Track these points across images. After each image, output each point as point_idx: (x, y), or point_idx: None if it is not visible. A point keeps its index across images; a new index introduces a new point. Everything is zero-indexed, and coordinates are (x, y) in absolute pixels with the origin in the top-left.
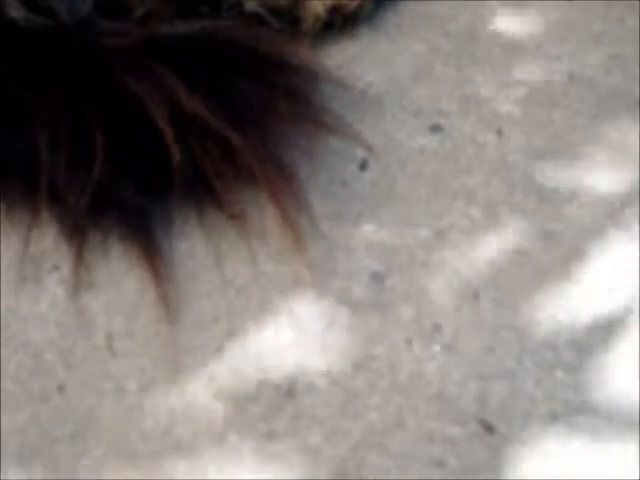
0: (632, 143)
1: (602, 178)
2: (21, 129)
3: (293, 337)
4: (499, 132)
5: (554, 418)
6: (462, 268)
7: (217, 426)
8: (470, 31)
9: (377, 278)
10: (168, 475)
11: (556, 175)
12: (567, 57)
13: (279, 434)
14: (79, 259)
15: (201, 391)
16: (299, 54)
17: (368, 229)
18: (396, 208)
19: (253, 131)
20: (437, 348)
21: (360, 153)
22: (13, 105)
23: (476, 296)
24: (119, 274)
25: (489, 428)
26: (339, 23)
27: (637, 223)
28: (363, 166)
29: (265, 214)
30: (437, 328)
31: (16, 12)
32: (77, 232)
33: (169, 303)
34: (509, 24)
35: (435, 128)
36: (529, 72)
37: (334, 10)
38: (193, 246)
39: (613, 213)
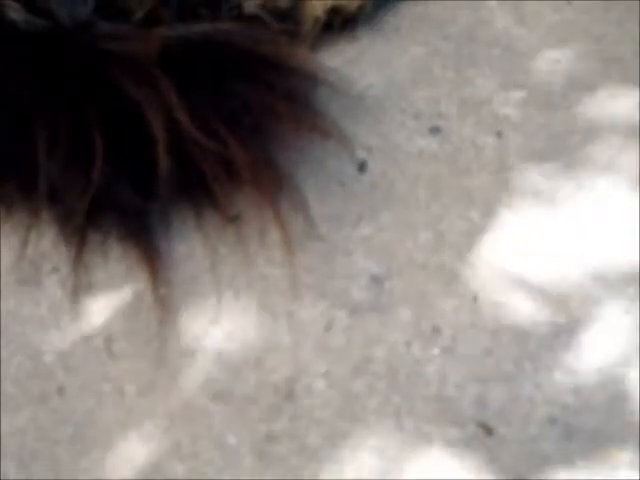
0: (631, 145)
1: (601, 180)
2: (20, 131)
3: (292, 339)
4: (498, 134)
5: (553, 421)
6: (461, 270)
7: (216, 428)
8: (469, 33)
9: (376, 280)
10: (167, 477)
11: (555, 177)
12: (566, 59)
13: (278, 436)
14: (78, 261)
15: (200, 393)
16: (298, 56)
17: (367, 231)
18: (395, 210)
19: (251, 133)
20: (436, 350)
21: (359, 155)
22: (12, 107)
23: (475, 298)
24: (118, 276)
25: (488, 430)
26: (338, 25)
27: (637, 223)
28: (362, 168)
29: (263, 216)
30: (436, 330)
31: (16, 14)
32: (76, 234)
33: (168, 305)
34: (508, 26)
35: (434, 130)
36: (528, 74)
37: (333, 12)
38: (191, 248)
39: (612, 214)
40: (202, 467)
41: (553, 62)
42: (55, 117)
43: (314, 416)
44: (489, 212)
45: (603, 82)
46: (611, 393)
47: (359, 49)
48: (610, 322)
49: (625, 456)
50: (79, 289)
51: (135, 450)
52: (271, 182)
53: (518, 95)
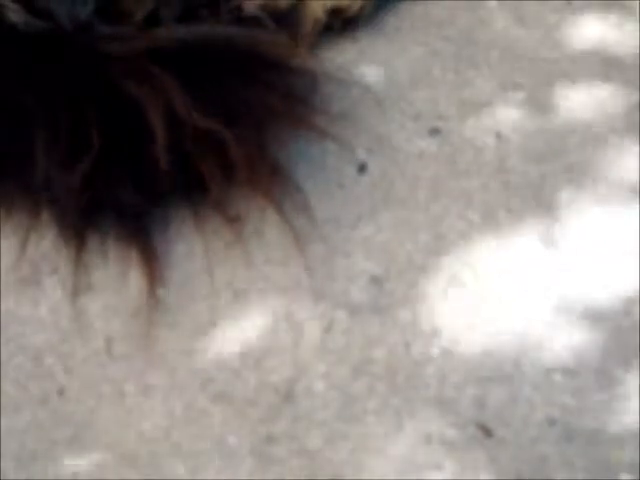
0: (631, 147)
1: (601, 181)
2: (20, 132)
3: (292, 340)
4: (498, 135)
5: (552, 422)
6: (460, 272)
7: (216, 429)
8: (469, 34)
9: (376, 281)
10: (167, 477)
11: (555, 179)
12: (565, 61)
13: (278, 437)
14: (78, 262)
15: (200, 394)
16: (298, 57)
17: (367, 232)
18: (395, 211)
19: (251, 133)
20: (436, 351)
21: (359, 156)
22: (12, 108)
23: (474, 300)
24: (117, 277)
25: (487, 431)
26: (338, 26)
27: (637, 224)
28: (361, 169)
29: (263, 217)
30: (436, 331)
31: (16, 16)
32: (75, 235)
33: (167, 306)
34: (508, 27)
35: (434, 131)
36: (528, 76)
37: (333, 13)
38: (191, 249)
39: (612, 214)
40: (202, 467)
41: (552, 63)
42: (55, 118)
43: (314, 417)
44: (488, 213)
45: (603, 82)
46: (611, 394)
47: (359, 49)
48: (610, 322)
49: (625, 457)
50: (79, 289)
51: (135, 450)
52: (271, 182)
53: (518, 96)
